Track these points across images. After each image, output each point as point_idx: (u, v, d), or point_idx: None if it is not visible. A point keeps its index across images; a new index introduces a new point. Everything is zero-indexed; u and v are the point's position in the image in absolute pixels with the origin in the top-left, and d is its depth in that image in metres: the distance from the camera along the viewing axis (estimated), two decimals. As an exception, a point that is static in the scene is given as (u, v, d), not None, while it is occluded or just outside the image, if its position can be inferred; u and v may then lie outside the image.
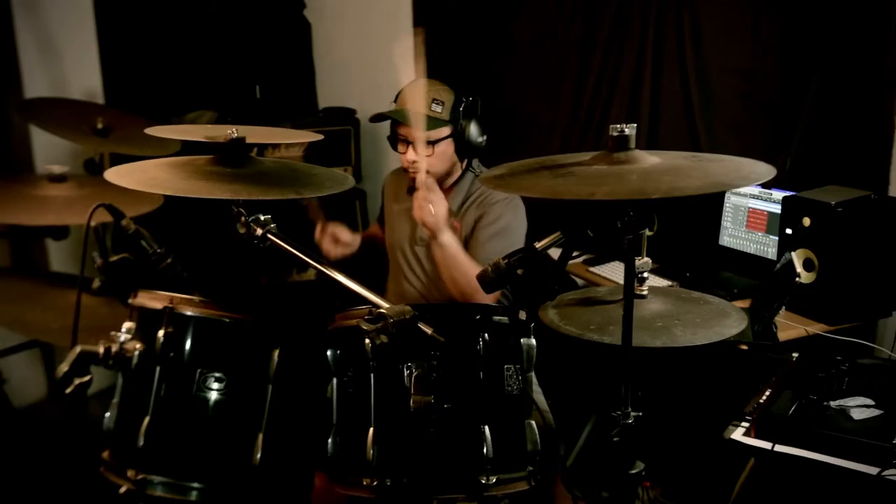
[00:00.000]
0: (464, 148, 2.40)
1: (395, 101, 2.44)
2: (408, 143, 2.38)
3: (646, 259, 1.58)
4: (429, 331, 1.48)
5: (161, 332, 1.70)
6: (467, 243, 2.39)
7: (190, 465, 1.70)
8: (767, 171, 1.42)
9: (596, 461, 2.49)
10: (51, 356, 3.52)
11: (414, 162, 2.37)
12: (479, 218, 2.40)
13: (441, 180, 2.45)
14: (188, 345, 1.73)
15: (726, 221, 2.95)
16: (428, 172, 2.33)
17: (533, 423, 1.71)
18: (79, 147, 3.10)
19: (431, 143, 2.35)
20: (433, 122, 2.34)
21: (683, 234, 2.89)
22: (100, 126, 2.86)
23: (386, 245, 2.60)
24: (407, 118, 2.34)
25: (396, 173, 2.66)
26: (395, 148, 2.46)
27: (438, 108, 2.35)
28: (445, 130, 2.36)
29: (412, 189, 2.52)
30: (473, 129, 2.38)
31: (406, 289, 2.51)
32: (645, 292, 1.66)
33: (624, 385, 1.52)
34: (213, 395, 1.71)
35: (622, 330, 1.48)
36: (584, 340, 1.60)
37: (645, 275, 1.62)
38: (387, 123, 2.47)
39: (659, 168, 1.44)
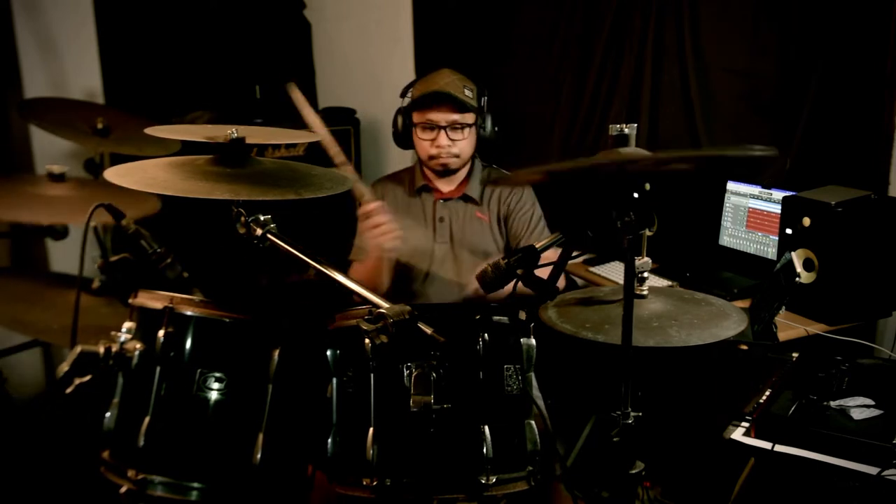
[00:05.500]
0: (482, 139, 2.44)
1: (409, 92, 2.44)
2: (436, 128, 2.38)
3: (646, 259, 1.58)
4: (429, 331, 1.47)
5: (161, 332, 1.70)
6: (503, 229, 2.47)
7: (190, 464, 1.70)
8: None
9: (596, 461, 2.50)
10: (51, 356, 3.52)
11: (442, 147, 2.38)
12: (513, 207, 2.47)
13: (458, 168, 2.46)
14: (188, 345, 1.73)
15: (726, 221, 2.95)
16: (455, 157, 2.40)
17: (533, 423, 1.71)
18: (79, 147, 3.10)
19: (462, 126, 2.38)
20: (469, 107, 2.37)
21: (683, 234, 2.90)
22: (100, 126, 2.86)
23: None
24: (457, 98, 2.35)
25: (384, 182, 2.60)
26: (402, 145, 2.46)
27: (469, 94, 2.38)
28: (472, 117, 2.39)
29: (422, 189, 2.51)
30: (492, 121, 2.43)
31: (425, 292, 2.49)
32: (645, 292, 1.66)
33: (624, 385, 1.52)
34: (213, 395, 1.71)
35: (622, 330, 1.48)
36: (583, 340, 1.61)
37: (645, 275, 1.62)
38: (387, 122, 2.47)
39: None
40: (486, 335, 1.66)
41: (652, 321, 1.63)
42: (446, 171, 2.46)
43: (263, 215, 1.66)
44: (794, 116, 2.74)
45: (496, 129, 2.44)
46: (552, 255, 1.67)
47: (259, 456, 1.70)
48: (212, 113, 3.74)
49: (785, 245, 2.47)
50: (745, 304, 2.39)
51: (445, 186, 2.50)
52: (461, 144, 2.40)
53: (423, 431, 1.47)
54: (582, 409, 2.66)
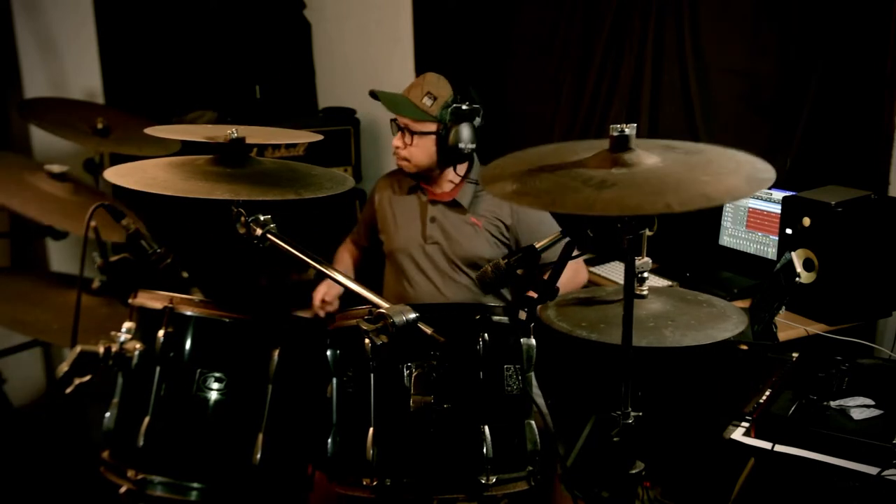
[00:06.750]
0: (444, 150, 2.36)
1: None
2: (398, 128, 2.40)
3: (646, 259, 1.58)
4: (429, 331, 1.48)
5: (161, 332, 1.70)
6: (503, 239, 2.44)
7: (190, 465, 1.70)
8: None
9: (596, 461, 2.50)
10: (51, 356, 3.52)
11: (397, 147, 2.39)
12: (514, 221, 2.43)
13: (425, 173, 2.44)
14: (188, 345, 1.73)
15: (726, 221, 2.95)
16: (406, 161, 2.42)
17: (533, 423, 1.71)
18: (79, 147, 3.10)
19: (412, 132, 2.36)
20: (416, 113, 2.35)
21: (683, 234, 2.89)
22: (100, 126, 2.86)
23: (385, 250, 2.58)
24: (389, 101, 2.36)
25: (391, 176, 2.63)
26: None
27: (429, 102, 2.34)
28: (430, 126, 2.35)
29: (414, 188, 2.52)
30: (459, 134, 2.32)
31: (413, 291, 2.49)
32: (645, 292, 1.66)
33: (624, 385, 1.51)
34: (213, 395, 1.71)
35: (622, 330, 1.48)
36: (583, 340, 1.61)
37: (645, 275, 1.62)
38: (387, 122, 2.47)
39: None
40: (486, 335, 1.66)
41: (648, 321, 1.63)
42: (410, 172, 2.47)
43: (263, 215, 1.66)
44: (794, 116, 2.73)
45: (473, 140, 2.35)
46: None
47: (259, 456, 1.70)
48: (212, 113, 3.75)
49: (785, 245, 2.46)
50: (745, 304, 2.39)
51: (435, 189, 2.50)
52: (411, 150, 2.38)
53: (423, 431, 1.47)
54: (582, 409, 2.66)
